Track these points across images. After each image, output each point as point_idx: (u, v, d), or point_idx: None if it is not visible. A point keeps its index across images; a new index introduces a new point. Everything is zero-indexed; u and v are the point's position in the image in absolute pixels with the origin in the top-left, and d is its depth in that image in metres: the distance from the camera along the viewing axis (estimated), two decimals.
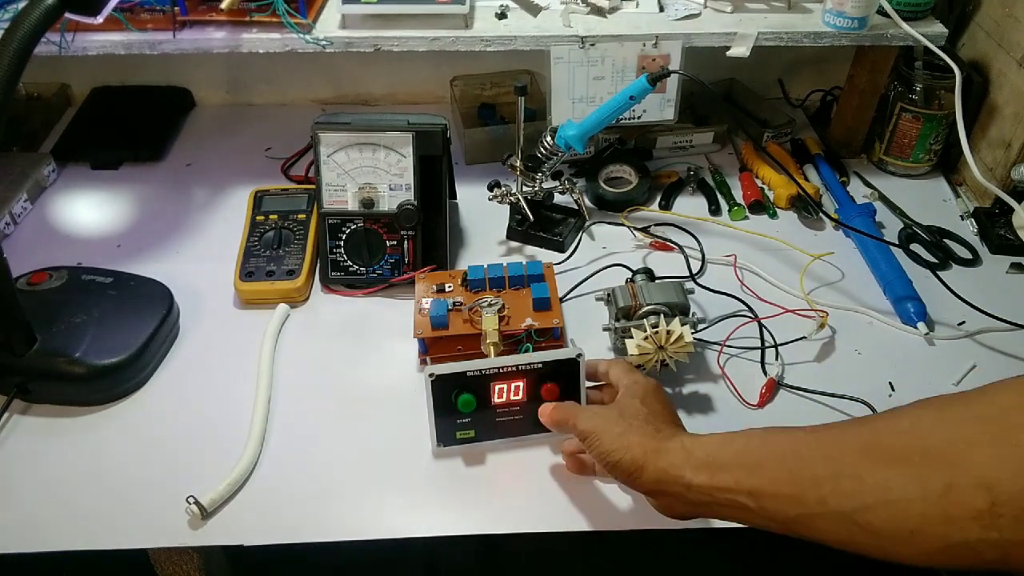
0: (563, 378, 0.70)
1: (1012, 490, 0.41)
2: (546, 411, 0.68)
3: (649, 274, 0.85)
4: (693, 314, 0.79)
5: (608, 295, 0.82)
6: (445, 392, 0.69)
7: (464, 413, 0.70)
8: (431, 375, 0.68)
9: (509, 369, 0.69)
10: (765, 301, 0.87)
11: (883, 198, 1.05)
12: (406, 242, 0.88)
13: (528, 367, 0.69)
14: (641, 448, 0.58)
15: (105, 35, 0.93)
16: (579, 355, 0.70)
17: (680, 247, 0.95)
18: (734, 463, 0.54)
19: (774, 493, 0.51)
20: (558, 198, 0.99)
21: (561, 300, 0.87)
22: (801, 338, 0.82)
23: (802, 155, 1.11)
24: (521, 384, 0.70)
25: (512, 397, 0.70)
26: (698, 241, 0.96)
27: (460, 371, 0.69)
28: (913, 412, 0.49)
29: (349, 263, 0.89)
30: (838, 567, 1.05)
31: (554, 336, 0.80)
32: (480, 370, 0.69)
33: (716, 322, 0.84)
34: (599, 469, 0.66)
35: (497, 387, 0.70)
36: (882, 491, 0.46)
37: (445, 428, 0.70)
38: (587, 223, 0.99)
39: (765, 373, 0.80)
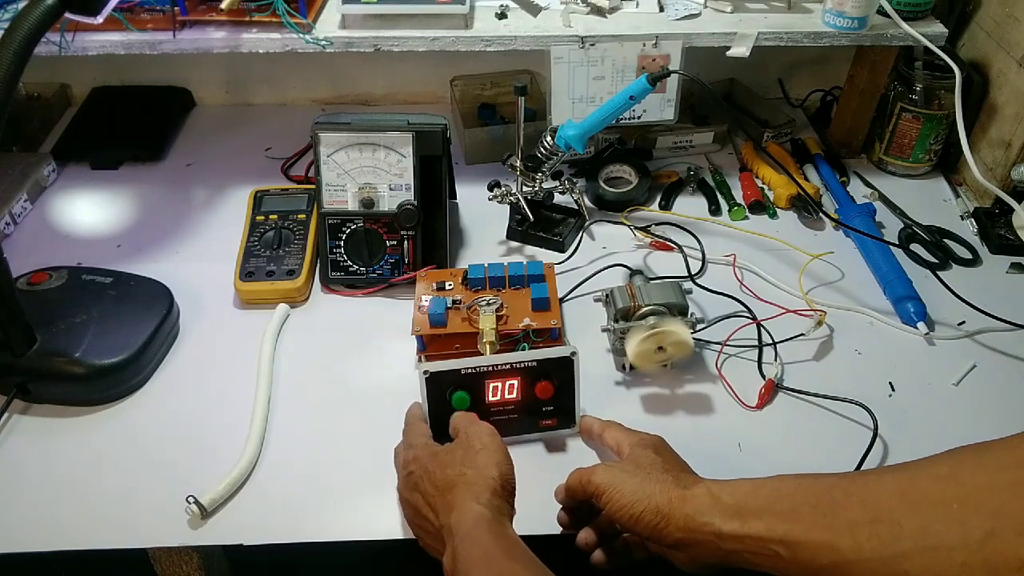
0: (557, 377, 0.70)
1: None
2: (560, 490, 0.66)
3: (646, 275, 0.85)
4: (692, 314, 0.79)
5: (606, 296, 0.81)
6: (439, 390, 0.69)
7: (459, 411, 0.70)
8: (425, 372, 0.68)
9: (503, 367, 0.69)
10: (765, 301, 0.87)
11: (883, 198, 1.05)
12: (406, 242, 0.88)
13: (522, 365, 0.69)
14: (665, 496, 0.56)
15: (105, 35, 0.93)
16: (573, 353, 0.70)
17: (680, 247, 0.95)
18: (766, 509, 0.52)
19: (808, 540, 0.49)
20: (558, 198, 0.99)
21: (561, 300, 0.87)
22: (799, 335, 0.82)
23: (802, 155, 1.11)
24: (515, 382, 0.70)
25: (507, 396, 0.70)
26: (698, 241, 0.96)
27: (454, 368, 0.69)
28: (952, 457, 0.47)
29: (349, 263, 0.89)
30: None
31: (552, 336, 0.80)
32: (474, 368, 0.69)
33: (715, 322, 0.84)
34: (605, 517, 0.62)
35: (491, 385, 0.70)
36: (920, 537, 0.44)
37: (441, 426, 0.70)
38: (587, 223, 0.99)
39: (763, 375, 0.80)
